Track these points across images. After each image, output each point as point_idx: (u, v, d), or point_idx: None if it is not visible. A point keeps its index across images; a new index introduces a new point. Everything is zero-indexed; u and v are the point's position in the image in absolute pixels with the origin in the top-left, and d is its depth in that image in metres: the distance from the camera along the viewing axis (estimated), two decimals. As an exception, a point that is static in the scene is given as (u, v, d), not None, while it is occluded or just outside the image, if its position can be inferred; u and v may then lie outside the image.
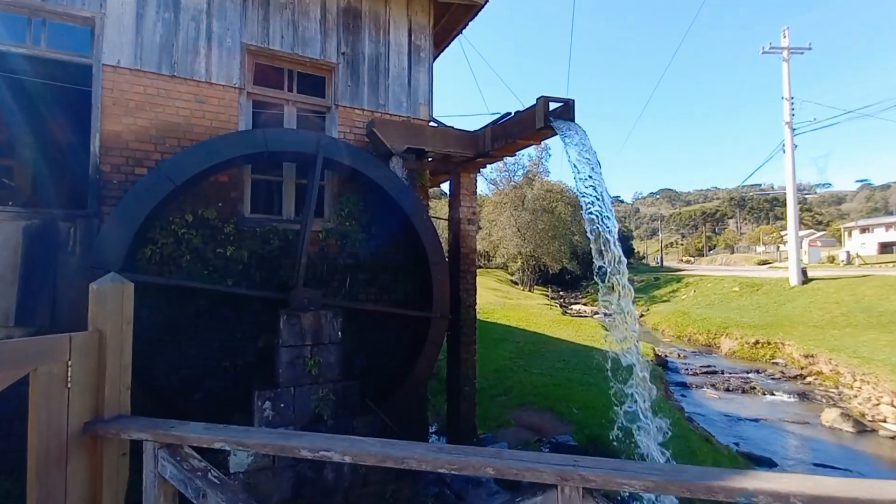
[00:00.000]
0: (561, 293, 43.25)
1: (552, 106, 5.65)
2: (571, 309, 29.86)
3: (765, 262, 49.08)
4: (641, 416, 5.11)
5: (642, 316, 25.46)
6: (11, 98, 7.29)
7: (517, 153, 6.82)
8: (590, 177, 5.21)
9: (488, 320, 17.39)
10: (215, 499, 1.82)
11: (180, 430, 1.97)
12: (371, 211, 6.66)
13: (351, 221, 6.57)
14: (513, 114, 6.23)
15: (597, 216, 5.13)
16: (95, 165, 5.36)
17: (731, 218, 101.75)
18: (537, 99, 5.62)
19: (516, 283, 39.39)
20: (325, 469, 4.32)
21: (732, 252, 78.10)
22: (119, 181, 5.42)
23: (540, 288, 41.75)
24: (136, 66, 5.55)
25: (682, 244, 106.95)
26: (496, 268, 44.18)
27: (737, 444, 8.66)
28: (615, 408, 5.48)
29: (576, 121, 5.62)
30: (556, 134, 5.57)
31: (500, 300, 22.21)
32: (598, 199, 5.23)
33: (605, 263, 5.09)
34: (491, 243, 37.65)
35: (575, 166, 5.20)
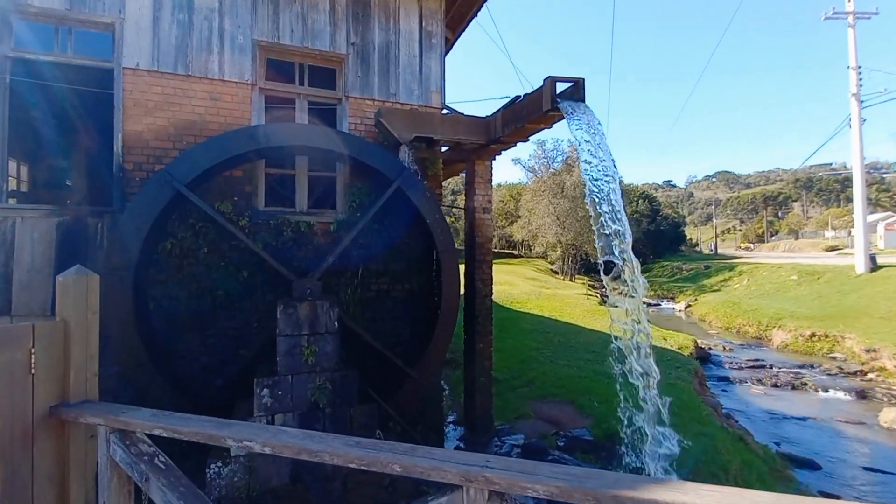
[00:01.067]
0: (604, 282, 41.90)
1: (561, 87, 5.39)
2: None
3: (833, 249, 45.13)
4: (644, 410, 4.84)
5: (689, 307, 24.20)
6: (49, 104, 7.86)
7: (530, 138, 6.58)
8: (593, 162, 4.94)
9: (521, 310, 17.14)
10: (157, 483, 1.87)
11: (128, 416, 2.04)
12: (382, 202, 6.66)
13: (362, 212, 6.61)
14: (522, 97, 6.00)
15: (603, 202, 4.87)
16: (119, 164, 5.69)
17: (795, 201, 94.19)
18: (544, 79, 5.38)
19: (556, 273, 38.56)
20: (323, 455, 4.41)
21: (797, 238, 72.44)
22: (141, 178, 5.71)
23: (582, 277, 40.63)
24: (154, 68, 5.81)
25: (740, 230, 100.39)
26: (536, 257, 43.44)
27: (777, 444, 8.07)
28: (621, 402, 5.24)
29: (586, 101, 5.33)
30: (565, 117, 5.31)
31: (537, 290, 21.83)
32: (606, 186, 4.96)
33: (615, 259, 4.85)
34: (530, 232, 36.99)
35: (580, 153, 4.94)
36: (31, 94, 7.41)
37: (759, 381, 11.63)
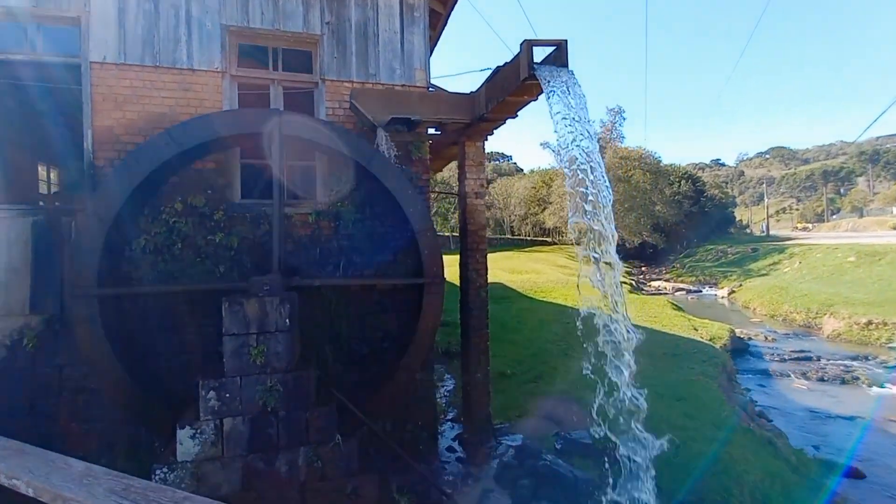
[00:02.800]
0: (642, 268, 40.09)
1: (541, 52, 4.79)
2: (649, 286, 27.43)
3: (903, 226, 40.97)
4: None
5: (732, 293, 22.59)
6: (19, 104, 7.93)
7: (518, 113, 5.98)
8: (576, 136, 4.35)
9: (544, 299, 16.48)
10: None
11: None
12: (364, 189, 6.30)
13: (343, 201, 6.28)
14: (504, 65, 5.42)
15: (581, 176, 4.28)
16: (90, 161, 5.61)
17: (860, 175, 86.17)
18: (521, 43, 4.80)
19: (590, 260, 37.14)
20: (277, 461, 4.16)
21: (861, 216, 66.50)
22: (113, 175, 5.61)
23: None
24: (122, 61, 5.67)
25: (796, 209, 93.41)
26: (570, 244, 42.10)
27: (816, 448, 7.17)
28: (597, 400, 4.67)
29: (569, 66, 4.71)
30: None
31: (564, 278, 20.98)
32: (586, 164, 4.36)
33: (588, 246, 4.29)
34: (561, 218, 35.82)
35: (555, 127, 4.36)
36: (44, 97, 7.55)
37: (804, 374, 10.52)
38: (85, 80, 5.59)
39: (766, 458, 5.70)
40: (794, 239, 39.16)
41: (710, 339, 11.09)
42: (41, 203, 10.52)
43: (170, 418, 4.57)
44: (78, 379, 5.49)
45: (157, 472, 3.97)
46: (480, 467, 5.94)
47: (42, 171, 12.16)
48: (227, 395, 4.02)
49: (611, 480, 4.56)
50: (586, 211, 4.33)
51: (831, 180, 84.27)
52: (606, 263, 4.33)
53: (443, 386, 8.90)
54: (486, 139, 6.98)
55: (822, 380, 10.17)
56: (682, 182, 49.38)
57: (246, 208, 5.98)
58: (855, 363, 11.16)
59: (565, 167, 4.58)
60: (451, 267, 7.65)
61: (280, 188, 5.34)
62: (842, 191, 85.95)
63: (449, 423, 7.39)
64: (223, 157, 5.95)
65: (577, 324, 4.62)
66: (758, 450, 5.89)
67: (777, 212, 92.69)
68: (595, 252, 4.29)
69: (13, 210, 5.46)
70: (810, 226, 70.37)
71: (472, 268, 6.86)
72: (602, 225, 4.44)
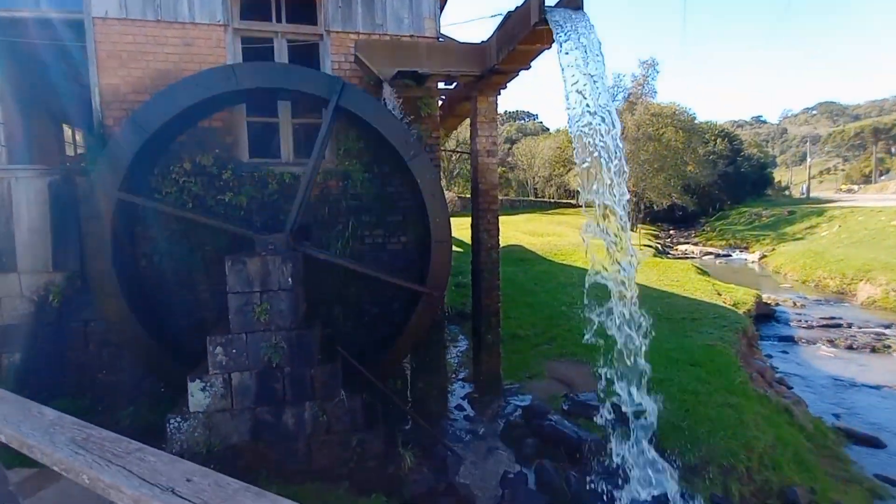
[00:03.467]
0: (671, 231, 38.90)
1: (554, -6, 4.43)
2: (676, 249, 26.68)
3: (959, 188, 38.06)
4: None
5: (763, 258, 21.74)
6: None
7: (531, 64, 5.62)
8: (590, 93, 4.05)
9: (564, 262, 16.25)
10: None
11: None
12: (373, 148, 6.16)
13: (351, 160, 6.17)
14: (515, 10, 5.06)
15: (593, 139, 4.03)
16: (99, 120, 5.63)
17: (917, 133, 79.78)
18: (531, -14, 4.43)
19: (616, 222, 36.16)
20: (283, 414, 4.30)
21: (914, 176, 61.98)
22: (122, 134, 5.62)
23: (647, 226, 37.89)
24: (123, 16, 5.55)
25: (842, 170, 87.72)
26: (594, 206, 40.92)
27: (837, 416, 6.97)
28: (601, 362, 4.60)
29: (584, 8, 4.34)
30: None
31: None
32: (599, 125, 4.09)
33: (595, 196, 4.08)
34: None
35: (564, 81, 4.06)
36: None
37: (831, 341, 10.14)
38: (89, 36, 5.52)
39: (780, 425, 5.58)
40: (836, 201, 37.04)
41: (734, 305, 10.76)
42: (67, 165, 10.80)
43: (185, 373, 4.76)
44: (102, 333, 5.75)
45: (171, 421, 4.17)
46: (487, 426, 6.04)
47: (68, 133, 12.42)
48: (234, 350, 4.13)
49: (613, 441, 4.55)
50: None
51: (882, 138, 78.24)
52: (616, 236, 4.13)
53: (455, 346, 9.00)
54: (499, 93, 6.65)
55: (850, 348, 9.79)
56: (718, 140, 46.81)
57: (254, 167, 5.95)
58: (889, 331, 10.67)
59: (575, 143, 4.28)
60: (467, 229, 7.56)
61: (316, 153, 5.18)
62: (893, 150, 80.00)
63: (460, 382, 7.50)
64: (229, 115, 5.87)
65: (584, 289, 4.50)
66: (772, 416, 5.76)
67: (821, 172, 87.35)
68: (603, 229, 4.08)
69: (32, 171, 5.59)
70: (855, 187, 66.20)
71: (484, 228, 6.73)
72: (612, 193, 4.21)
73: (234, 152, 5.94)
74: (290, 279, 4.17)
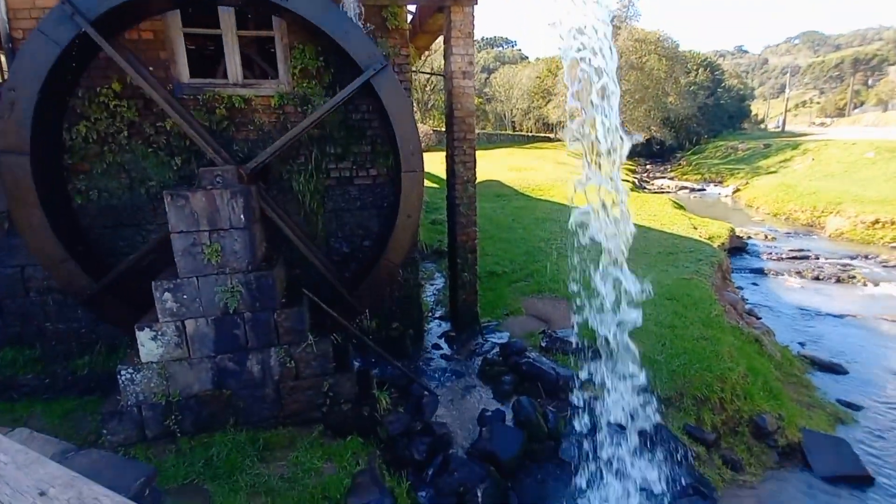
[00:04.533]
0: (647, 166, 38.78)
1: None
2: (652, 184, 26.64)
3: (928, 121, 38.62)
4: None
5: (736, 191, 21.93)
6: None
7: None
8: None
9: (541, 198, 15.96)
10: None
11: None
12: (334, 67, 5.44)
13: (309, 82, 5.46)
14: None
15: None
16: (6, 33, 4.73)
17: (893, 64, 79.46)
18: None
19: (594, 157, 35.67)
20: (247, 361, 4.02)
21: (885, 110, 62.65)
22: (33, 46, 4.74)
23: (624, 162, 37.61)
24: None
25: (818, 102, 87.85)
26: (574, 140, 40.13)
27: (802, 344, 7.21)
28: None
29: None
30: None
31: (565, 175, 20.19)
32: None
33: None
34: (566, 112, 33.66)
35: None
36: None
37: (799, 273, 10.40)
38: (-27, -81, 4.46)
39: (751, 355, 5.67)
40: (810, 134, 37.24)
41: (709, 238, 10.80)
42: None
43: (136, 319, 4.36)
44: (42, 279, 5.23)
45: (123, 372, 3.84)
46: (465, 364, 5.97)
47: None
48: (185, 296, 3.73)
49: (589, 374, 4.49)
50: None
51: (861, 69, 77.80)
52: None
53: (431, 284, 8.80)
54: (476, 2, 5.88)
55: (817, 279, 10.07)
56: (700, 70, 45.63)
57: (196, 89, 5.20)
58: (854, 262, 10.99)
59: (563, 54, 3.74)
60: (442, 164, 7.03)
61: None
62: (870, 82, 79.90)
63: (437, 321, 7.36)
64: (161, 24, 5.00)
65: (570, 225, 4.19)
66: (744, 347, 5.84)
67: (797, 105, 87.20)
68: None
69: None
70: (828, 121, 66.65)
71: (460, 160, 6.25)
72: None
73: (172, 71, 5.15)
74: (242, 216, 3.70)
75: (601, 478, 4.16)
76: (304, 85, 5.44)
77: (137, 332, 3.78)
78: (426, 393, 5.08)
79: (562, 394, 4.97)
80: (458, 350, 6.32)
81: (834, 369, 6.33)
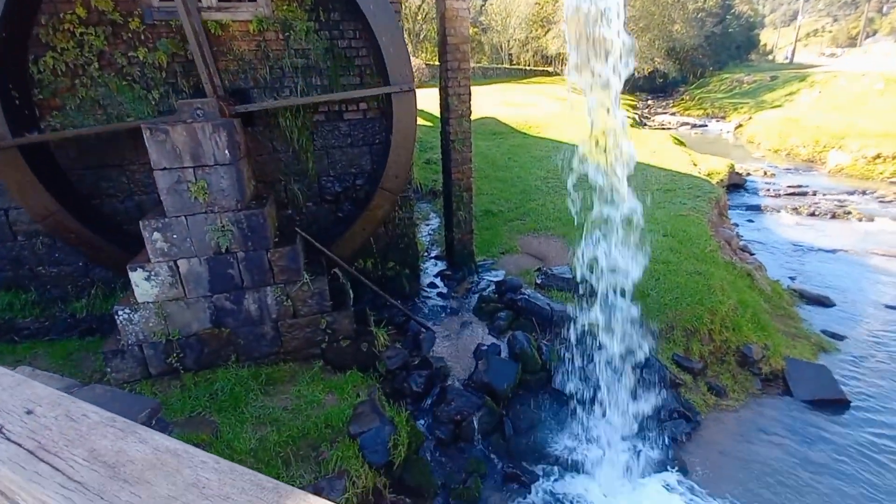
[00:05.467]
0: (649, 101, 37.48)
1: None
2: (653, 120, 25.87)
3: (943, 50, 36.96)
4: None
5: (738, 127, 21.36)
6: None
7: None
8: None
9: (538, 136, 15.49)
10: None
11: None
12: (316, -14, 5.01)
13: (290, 4, 5.04)
14: None
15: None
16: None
17: (914, -12, 74.82)
18: None
19: (594, 91, 34.25)
20: (244, 300, 4.02)
21: (899, 39, 59.70)
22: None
23: (625, 96, 36.20)
24: None
25: (830, 31, 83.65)
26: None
27: (793, 278, 7.33)
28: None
29: None
30: None
31: (563, 111, 19.51)
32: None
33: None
34: (565, 43, 31.89)
35: None
36: None
37: (795, 209, 10.37)
38: None
39: (742, 289, 5.77)
40: (819, 66, 35.76)
41: (708, 175, 10.64)
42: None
43: (127, 260, 4.32)
44: (27, 222, 5.11)
45: (120, 313, 3.85)
46: (461, 302, 6.05)
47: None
48: (175, 236, 3.66)
49: (585, 308, 4.55)
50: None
51: (880, -6, 73.46)
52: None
53: (427, 225, 8.73)
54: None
55: (812, 215, 10.05)
56: (710, -5, 42.78)
57: (169, 14, 4.79)
58: (851, 198, 10.94)
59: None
60: (435, 100, 6.68)
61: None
62: (885, 9, 75.68)
63: (432, 260, 7.38)
64: (121, -65, 4.52)
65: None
66: (736, 281, 5.93)
67: (808, 34, 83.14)
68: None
69: None
70: (838, 51, 63.79)
71: (454, 92, 5.95)
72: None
73: (141, -7, 4.72)
74: (227, 152, 3.53)
75: (591, 405, 4.35)
76: (285, 8, 5.03)
77: (130, 273, 3.75)
78: (423, 329, 5.18)
79: (556, 328, 5.08)
80: (454, 288, 6.38)
81: (821, 302, 6.48)
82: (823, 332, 5.77)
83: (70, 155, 4.94)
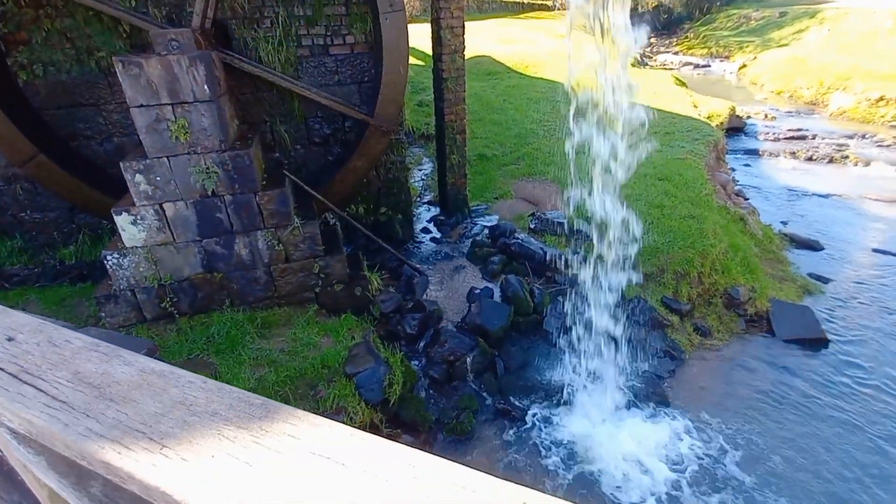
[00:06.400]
0: (651, 39, 35.78)
1: None
2: (654, 60, 24.83)
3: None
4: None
5: (742, 67, 20.61)
6: None
7: None
8: None
9: (535, 76, 14.86)
10: None
11: None
12: None
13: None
14: None
15: None
16: None
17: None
18: None
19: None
20: (234, 244, 3.98)
21: (918, -29, 56.42)
22: None
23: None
24: None
25: (845, -37, 78.84)
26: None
27: (785, 223, 7.35)
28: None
29: None
30: None
31: (563, 49, 18.62)
32: None
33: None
34: (568, -27, 29.81)
35: None
36: None
37: (793, 154, 10.23)
38: None
39: (734, 233, 5.79)
40: (831, 1, 33.99)
41: (708, 118, 10.36)
42: None
43: (112, 205, 4.21)
44: (4, 166, 4.92)
45: (109, 258, 3.80)
46: (454, 246, 6.04)
47: None
48: (158, 178, 3.54)
49: (576, 253, 4.57)
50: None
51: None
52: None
53: (420, 169, 8.55)
54: None
55: (810, 159, 9.93)
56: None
57: (136, -67, 4.36)
58: (850, 142, 10.76)
59: None
60: (428, 38, 6.28)
61: None
62: (909, -64, 70.91)
63: (425, 205, 7.28)
64: None
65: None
66: (728, 225, 5.94)
67: (822, -34, 78.29)
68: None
69: None
70: (853, -15, 60.43)
71: (447, 25, 5.60)
72: None
73: None
74: (206, 87, 3.34)
75: (581, 346, 4.47)
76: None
77: (115, 217, 3.66)
78: (417, 274, 5.20)
79: (549, 272, 5.12)
80: (447, 233, 6.35)
81: (811, 246, 6.55)
82: (810, 275, 5.88)
83: (40, 92, 4.67)
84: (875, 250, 6.52)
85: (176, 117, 3.37)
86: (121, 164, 3.49)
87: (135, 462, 0.67)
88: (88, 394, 0.80)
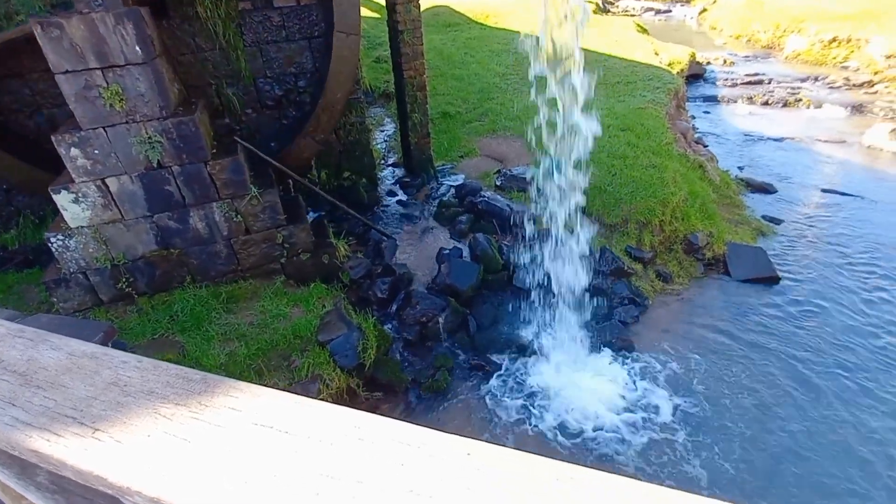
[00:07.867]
0: (615, -14, 34.98)
1: None
2: (616, 6, 24.40)
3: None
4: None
5: (702, 12, 20.51)
6: None
7: None
8: None
9: (497, 26, 14.39)
10: None
11: None
12: None
13: None
14: None
15: None
16: None
17: None
18: None
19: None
20: (189, 218, 3.80)
21: None
22: None
23: (588, -20, 33.50)
24: None
25: None
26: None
27: (741, 168, 7.58)
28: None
29: None
30: None
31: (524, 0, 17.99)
32: None
33: None
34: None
35: None
36: None
37: (750, 99, 10.42)
38: None
39: (693, 181, 5.94)
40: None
41: (669, 65, 10.36)
42: None
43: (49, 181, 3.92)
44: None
45: (52, 240, 3.58)
46: (421, 208, 5.97)
47: None
48: (96, 151, 3.29)
49: (541, 209, 4.59)
50: None
51: None
52: None
53: (382, 131, 8.30)
54: None
55: (766, 104, 10.15)
56: None
57: None
58: (804, 84, 11.03)
59: None
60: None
61: None
62: None
63: (390, 168, 7.12)
64: None
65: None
66: (688, 173, 6.07)
67: None
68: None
69: None
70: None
71: (400, -26, 5.28)
72: None
73: None
74: (137, 48, 3.06)
75: (550, 298, 4.58)
76: None
77: (54, 196, 3.42)
78: (384, 238, 5.14)
79: (516, 228, 5.15)
80: (413, 195, 6.26)
81: (765, 189, 6.81)
82: (764, 217, 6.14)
83: (-49, 64, 4.21)
84: (824, 190, 6.84)
85: (108, 83, 3.10)
86: (52, 138, 3.22)
87: (65, 448, 0.64)
88: (14, 382, 0.76)
